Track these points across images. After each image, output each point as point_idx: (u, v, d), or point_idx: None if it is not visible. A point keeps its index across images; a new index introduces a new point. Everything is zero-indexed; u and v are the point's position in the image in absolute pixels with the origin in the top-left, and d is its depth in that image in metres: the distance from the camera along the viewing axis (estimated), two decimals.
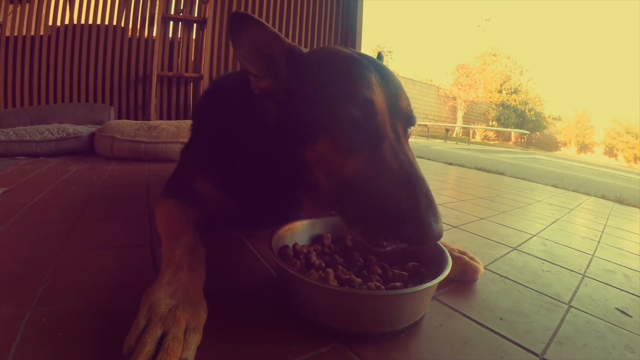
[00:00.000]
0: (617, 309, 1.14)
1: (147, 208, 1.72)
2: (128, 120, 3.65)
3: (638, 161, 20.99)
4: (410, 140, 1.04)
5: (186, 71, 5.26)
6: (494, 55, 28.95)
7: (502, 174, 5.05)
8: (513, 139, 27.07)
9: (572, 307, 1.12)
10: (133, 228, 1.44)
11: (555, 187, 4.37)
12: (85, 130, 3.49)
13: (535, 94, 28.01)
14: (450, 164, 5.70)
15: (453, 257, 1.16)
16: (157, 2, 4.88)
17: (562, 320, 1.02)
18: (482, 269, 1.19)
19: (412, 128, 1.04)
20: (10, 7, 4.21)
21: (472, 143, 19.20)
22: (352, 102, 0.89)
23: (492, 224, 2.02)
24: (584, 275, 1.40)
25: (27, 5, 4.27)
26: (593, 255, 1.68)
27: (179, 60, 5.09)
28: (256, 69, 1.03)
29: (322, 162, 0.93)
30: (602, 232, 2.21)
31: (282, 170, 1.06)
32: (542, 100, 28.14)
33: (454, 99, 25.29)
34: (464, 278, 1.17)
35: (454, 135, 21.99)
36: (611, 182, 6.92)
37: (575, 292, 1.23)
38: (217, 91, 1.38)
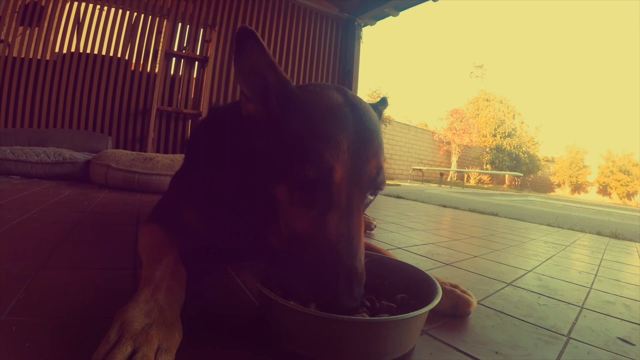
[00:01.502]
0: (619, 338, 1.10)
1: (134, 235, 1.70)
2: (124, 151, 3.65)
3: (632, 197, 21.07)
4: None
5: (185, 107, 5.32)
6: (487, 100, 29.53)
7: (496, 214, 5.02)
8: (507, 182, 27.22)
9: (572, 338, 1.07)
10: (118, 252, 1.42)
11: (550, 225, 4.33)
12: (81, 156, 3.48)
13: (528, 137, 28.42)
14: (445, 206, 5.69)
15: (444, 290, 1.13)
16: (162, 38, 5.00)
17: (562, 352, 0.97)
18: (474, 303, 1.15)
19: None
20: (20, 28, 4.31)
21: (467, 187, 19.26)
22: (312, 162, 0.86)
23: (486, 261, 1.97)
24: (582, 307, 1.35)
25: (37, 29, 4.37)
26: (590, 288, 1.64)
27: (179, 96, 5.16)
28: (249, 90, 1.03)
29: (281, 205, 0.93)
30: (599, 265, 2.17)
31: (257, 201, 1.03)
32: (536, 142, 28.53)
33: (449, 143, 25.59)
34: (455, 312, 1.13)
35: (448, 179, 22.09)
36: (606, 219, 6.89)
37: (574, 324, 1.19)
38: (212, 121, 1.36)
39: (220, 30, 5.22)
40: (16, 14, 4.24)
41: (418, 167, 21.01)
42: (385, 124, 19.58)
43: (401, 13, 6.43)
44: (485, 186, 23.76)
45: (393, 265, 1.16)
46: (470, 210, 5.39)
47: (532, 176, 27.34)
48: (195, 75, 5.38)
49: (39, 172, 3.18)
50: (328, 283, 0.81)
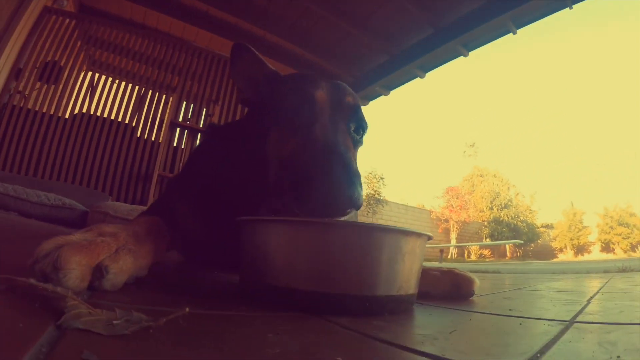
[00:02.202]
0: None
1: None
2: (123, 203, 3.64)
3: (636, 249, 20.63)
4: None
5: None
6: (481, 176, 29.78)
7: (498, 272, 4.89)
8: (509, 253, 26.74)
9: (591, 302, 0.99)
10: None
11: (554, 273, 4.21)
12: (81, 206, 3.42)
13: (525, 206, 28.32)
14: None
15: (442, 271, 1.06)
16: (168, 109, 5.11)
17: (584, 307, 0.91)
18: (477, 280, 1.05)
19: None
20: (38, 84, 4.45)
21: (468, 262, 18.89)
22: (296, 95, 1.02)
23: (488, 285, 1.87)
24: (593, 295, 1.27)
25: (53, 87, 4.50)
26: (601, 288, 1.56)
27: (181, 164, 5.14)
28: (243, 85, 1.20)
29: (274, 153, 0.98)
30: (608, 281, 2.07)
31: (251, 180, 1.05)
32: (533, 210, 28.38)
33: (447, 221, 25.29)
34: (458, 293, 1.03)
35: (448, 256, 21.73)
36: (611, 265, 6.75)
37: (591, 297, 1.10)
38: (211, 135, 1.49)
39: (223, 105, 5.38)
40: (36, 70, 4.43)
41: None
42: (383, 205, 19.48)
43: (392, 92, 6.54)
44: (487, 260, 23.29)
45: None
46: (471, 271, 5.25)
47: (532, 245, 26.77)
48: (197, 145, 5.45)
49: (38, 213, 3.13)
50: (322, 174, 0.79)
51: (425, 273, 0.91)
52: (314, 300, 0.64)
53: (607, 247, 22.51)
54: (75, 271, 0.53)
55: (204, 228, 1.18)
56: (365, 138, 1.16)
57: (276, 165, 0.96)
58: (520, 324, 0.68)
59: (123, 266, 0.60)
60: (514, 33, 4.60)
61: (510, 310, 0.83)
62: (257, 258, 0.71)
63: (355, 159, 1.04)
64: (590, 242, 24.02)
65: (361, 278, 0.66)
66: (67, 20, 4.70)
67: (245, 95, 1.20)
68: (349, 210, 0.82)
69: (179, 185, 1.36)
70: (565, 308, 0.90)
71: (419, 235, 0.74)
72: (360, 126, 1.10)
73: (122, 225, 0.75)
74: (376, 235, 0.68)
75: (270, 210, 0.95)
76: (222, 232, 1.15)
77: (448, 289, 1.02)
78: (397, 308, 0.70)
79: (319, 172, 0.79)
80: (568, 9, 4.20)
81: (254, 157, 1.05)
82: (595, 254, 22.85)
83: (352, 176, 0.81)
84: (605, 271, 3.87)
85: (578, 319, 0.73)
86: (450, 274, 1.05)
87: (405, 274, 0.71)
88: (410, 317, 0.70)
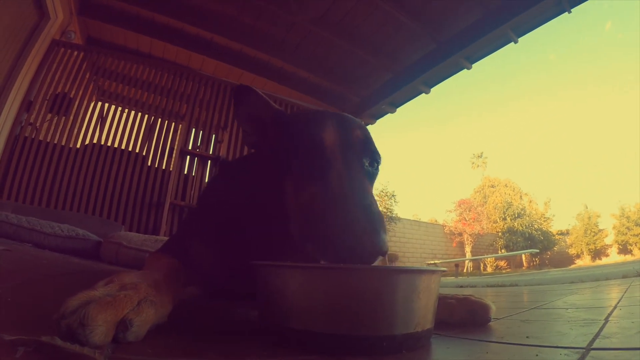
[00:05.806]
0: None
1: None
2: (136, 233, 3.66)
3: None
4: None
5: None
6: (493, 187, 29.50)
7: (515, 285, 4.85)
8: (525, 263, 26.29)
9: (609, 320, 0.99)
10: None
11: (572, 282, 4.16)
12: (94, 236, 3.45)
13: (539, 214, 27.83)
14: (461, 286, 5.49)
15: (457, 299, 1.05)
16: (177, 137, 5.20)
17: (601, 328, 0.91)
18: (493, 306, 1.05)
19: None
20: (49, 115, 4.59)
21: (484, 274, 18.65)
22: (303, 140, 1.00)
23: (505, 304, 1.86)
24: (613, 308, 1.25)
25: (63, 118, 4.62)
26: (619, 301, 1.53)
27: (192, 192, 5.18)
28: (249, 128, 1.20)
29: (292, 202, 0.97)
30: (627, 290, 2.04)
31: (268, 221, 1.07)
32: (547, 218, 27.87)
33: (460, 234, 24.92)
34: (474, 319, 1.02)
35: (464, 270, 21.46)
36: (630, 268, 6.64)
37: (607, 319, 1.09)
38: (222, 172, 1.54)
39: (232, 132, 5.43)
40: (46, 102, 4.56)
41: (432, 262, 20.41)
42: (395, 222, 19.27)
43: (398, 109, 6.43)
44: (504, 271, 22.93)
45: None
46: (488, 286, 5.21)
47: (549, 253, 26.23)
48: (207, 173, 5.48)
49: (51, 244, 3.16)
50: (345, 227, 0.78)
51: (441, 302, 0.92)
52: (333, 342, 0.66)
53: (624, 249, 21.95)
54: (102, 327, 0.56)
55: (220, 264, 1.19)
56: (380, 167, 1.13)
57: (296, 215, 0.96)
58: (537, 355, 0.68)
59: (146, 318, 0.63)
60: (515, 42, 4.62)
61: (527, 337, 0.83)
62: (274, 302, 0.73)
63: (372, 193, 1.02)
64: (607, 245, 23.49)
65: (378, 319, 0.67)
66: (76, 53, 4.84)
67: (252, 139, 1.20)
68: (376, 258, 0.80)
69: (194, 222, 1.39)
70: (582, 331, 0.90)
71: (433, 272, 0.75)
72: (374, 159, 1.07)
73: (141, 273, 0.78)
74: (391, 277, 0.69)
75: (295, 255, 0.97)
76: (237, 267, 1.17)
77: (464, 316, 1.02)
78: (415, 344, 0.71)
79: (339, 224, 0.79)
80: (567, 13, 4.22)
81: (270, 201, 1.06)
82: (613, 257, 22.33)
83: (374, 224, 0.80)
84: (624, 276, 3.83)
85: (594, 345, 0.74)
86: (466, 302, 1.05)
87: (421, 311, 0.72)
88: (427, 353, 0.71)
